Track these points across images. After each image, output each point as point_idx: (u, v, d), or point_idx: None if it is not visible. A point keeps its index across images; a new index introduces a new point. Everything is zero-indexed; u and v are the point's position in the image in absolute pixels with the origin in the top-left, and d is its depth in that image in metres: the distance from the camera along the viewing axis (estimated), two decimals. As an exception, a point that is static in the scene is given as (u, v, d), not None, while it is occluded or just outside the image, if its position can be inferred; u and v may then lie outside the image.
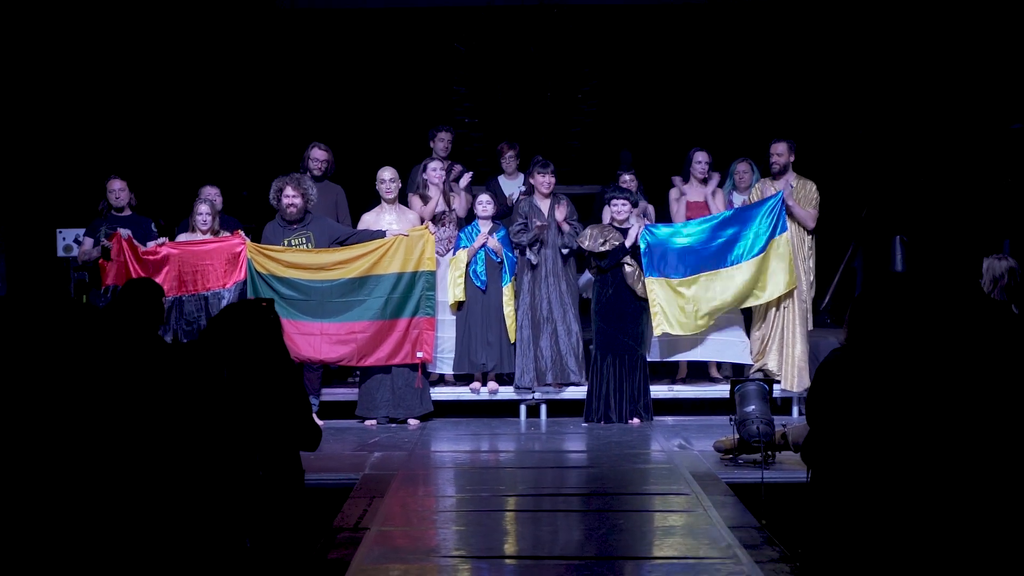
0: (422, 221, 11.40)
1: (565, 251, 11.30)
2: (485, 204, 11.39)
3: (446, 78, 15.77)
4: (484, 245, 11.30)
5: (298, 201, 11.02)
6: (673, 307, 11.16)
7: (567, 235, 11.25)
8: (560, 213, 11.31)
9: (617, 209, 11.13)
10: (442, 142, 12.14)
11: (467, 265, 11.29)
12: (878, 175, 14.51)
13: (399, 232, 11.16)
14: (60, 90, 13.77)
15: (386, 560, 6.74)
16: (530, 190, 11.55)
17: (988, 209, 13.40)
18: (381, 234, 11.20)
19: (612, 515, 7.77)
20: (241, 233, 11.09)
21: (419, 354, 11.12)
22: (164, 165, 13.99)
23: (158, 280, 10.51)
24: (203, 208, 11.11)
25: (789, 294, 11.26)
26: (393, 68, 15.38)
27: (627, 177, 11.64)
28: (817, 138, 14.49)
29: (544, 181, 11.36)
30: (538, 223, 11.23)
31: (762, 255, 11.16)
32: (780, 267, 11.17)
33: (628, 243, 11.04)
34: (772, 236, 11.16)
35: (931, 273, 13.27)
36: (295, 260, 11.05)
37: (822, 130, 14.70)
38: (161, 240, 11.04)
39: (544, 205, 11.37)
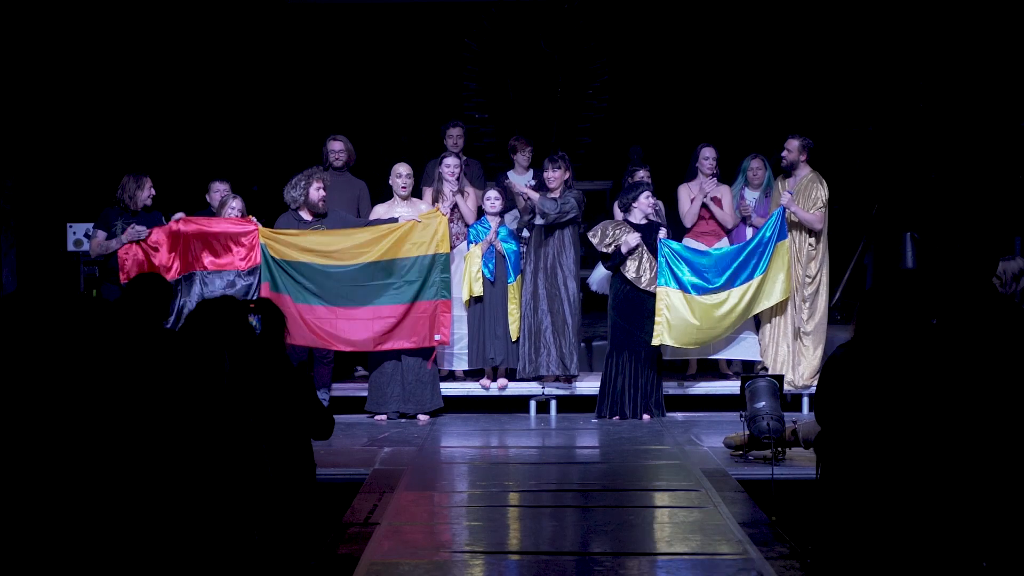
0: None
1: (539, 220, 11.20)
2: (493, 200, 11.40)
3: (457, 73, 15.76)
4: (493, 243, 11.32)
5: (325, 194, 11.06)
6: (679, 319, 11.12)
7: (539, 200, 11.18)
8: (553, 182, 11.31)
9: (650, 202, 11.15)
10: (451, 139, 12.13)
11: (480, 259, 11.31)
12: (889, 172, 14.48)
13: (412, 217, 11.17)
14: (70, 85, 13.78)
15: (396, 555, 6.75)
16: (541, 186, 11.53)
17: (999, 206, 13.37)
18: (394, 221, 11.22)
19: (622, 511, 7.78)
20: (252, 219, 11.09)
21: (436, 337, 11.11)
22: (174, 160, 13.99)
23: (170, 259, 10.67)
24: (235, 203, 11.15)
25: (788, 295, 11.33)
26: (403, 64, 15.37)
27: (642, 173, 11.64)
28: (828, 134, 14.46)
29: (551, 176, 11.33)
30: (521, 195, 11.29)
31: (766, 270, 11.20)
32: (780, 274, 11.20)
33: (625, 250, 10.99)
34: (772, 246, 11.19)
35: (942, 270, 13.24)
36: (310, 244, 11.03)
37: (833, 126, 14.66)
38: (177, 215, 11.03)
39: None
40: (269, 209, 12.24)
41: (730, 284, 11.20)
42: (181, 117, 14.52)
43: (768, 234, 11.24)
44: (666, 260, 11.11)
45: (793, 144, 11.48)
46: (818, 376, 7.54)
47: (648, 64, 15.50)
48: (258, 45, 14.93)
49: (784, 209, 11.22)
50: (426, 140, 13.17)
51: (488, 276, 11.30)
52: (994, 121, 13.61)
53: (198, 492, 5.48)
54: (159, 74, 14.44)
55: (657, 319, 11.09)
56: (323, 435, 5.85)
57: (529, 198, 11.28)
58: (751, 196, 11.87)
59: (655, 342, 11.13)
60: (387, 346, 11.09)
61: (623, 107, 15.65)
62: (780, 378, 9.52)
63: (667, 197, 12.01)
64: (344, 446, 9.90)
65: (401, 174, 11.38)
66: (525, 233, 11.50)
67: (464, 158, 12.09)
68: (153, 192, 11.05)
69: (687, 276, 11.13)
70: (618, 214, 11.58)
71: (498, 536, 7.32)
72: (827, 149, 13.79)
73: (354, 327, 11.04)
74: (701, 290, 11.15)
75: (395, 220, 11.23)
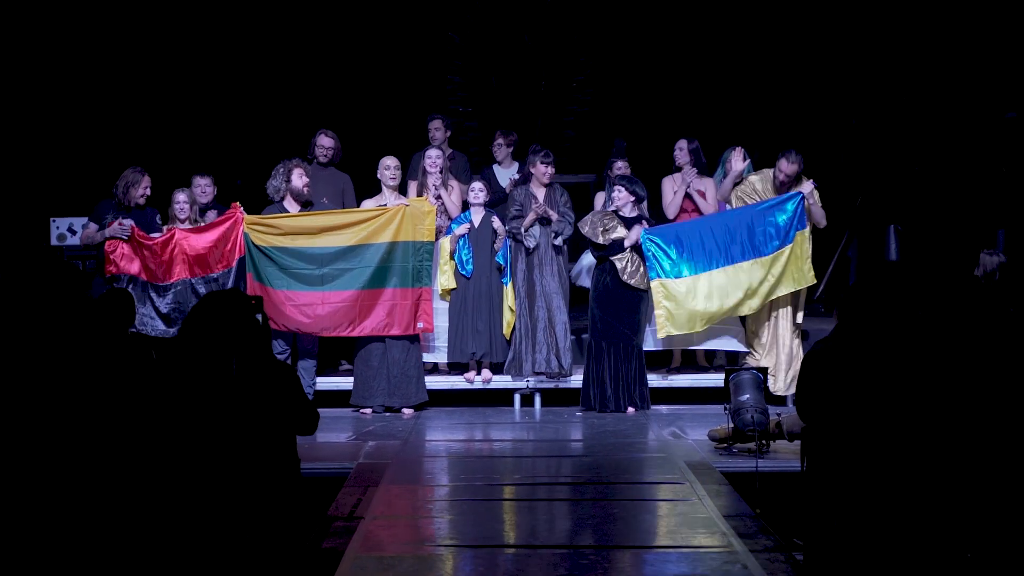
0: None
1: (558, 241, 11.31)
2: (477, 192, 11.40)
3: (441, 67, 15.74)
4: (467, 233, 11.31)
5: (307, 179, 11.05)
6: (680, 309, 11.10)
7: (556, 222, 11.26)
8: (553, 202, 11.31)
9: (618, 195, 11.13)
10: (439, 131, 12.15)
11: (451, 253, 11.30)
12: (873, 164, 14.50)
13: (401, 202, 11.16)
14: (54, 79, 13.73)
15: (380, 549, 6.74)
16: (525, 178, 11.55)
17: (983, 199, 13.40)
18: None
19: (607, 504, 7.77)
20: (239, 206, 11.06)
21: (419, 324, 11.10)
22: (158, 153, 13.95)
23: (166, 264, 10.65)
24: (180, 197, 11.11)
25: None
26: (387, 57, 15.34)
27: (620, 164, 11.66)
28: (812, 127, 14.48)
29: (547, 172, 11.35)
30: (536, 206, 11.24)
31: (779, 251, 11.08)
32: (797, 263, 11.08)
33: (628, 244, 11.03)
34: (792, 232, 11.07)
35: (925, 263, 13.28)
36: (294, 225, 11.02)
37: (817, 119, 14.68)
38: (166, 228, 11.06)
39: (540, 194, 11.36)
40: (253, 203, 12.21)
41: (730, 257, 11.10)
42: (166, 111, 14.48)
43: (780, 211, 11.05)
44: (652, 254, 11.09)
45: (795, 168, 11.15)
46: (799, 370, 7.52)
47: (632, 57, 15.50)
48: (243, 36, 14.88)
49: (802, 196, 11.07)
50: (410, 134, 13.15)
51: (465, 273, 11.30)
52: (978, 114, 13.64)
53: (187, 489, 5.47)
54: (142, 68, 14.39)
55: (657, 312, 11.09)
56: (308, 430, 5.84)
57: (548, 215, 11.26)
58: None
59: (660, 335, 11.13)
60: (368, 330, 11.06)
61: (607, 100, 15.65)
62: (764, 371, 9.53)
63: (651, 190, 12.01)
64: (328, 440, 9.88)
65: (389, 166, 11.36)
66: (532, 243, 11.38)
67: (450, 151, 12.10)
68: (148, 192, 11.00)
69: (678, 262, 11.09)
70: (599, 204, 11.60)
71: (482, 530, 7.30)
72: (812, 142, 13.80)
73: (337, 311, 11.03)
74: (697, 268, 11.11)
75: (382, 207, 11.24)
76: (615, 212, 11.18)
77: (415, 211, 11.10)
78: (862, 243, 14.38)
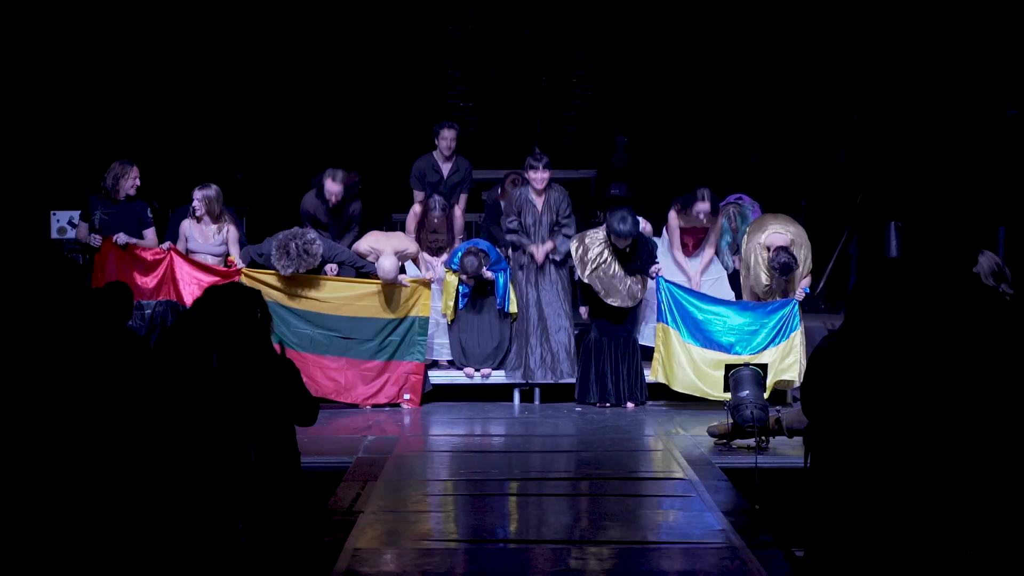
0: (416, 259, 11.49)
1: (557, 257, 11.26)
2: (472, 265, 11.18)
3: (441, 62, 15.73)
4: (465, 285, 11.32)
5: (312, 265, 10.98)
6: (676, 363, 11.03)
7: (553, 251, 11.24)
8: (552, 208, 11.22)
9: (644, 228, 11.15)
10: (445, 140, 12.00)
11: (456, 291, 11.31)
12: (873, 161, 14.50)
13: (399, 282, 11.11)
14: (54, 71, 13.73)
15: (379, 543, 6.74)
16: (524, 181, 11.49)
17: (983, 196, 13.39)
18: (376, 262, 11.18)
19: (605, 499, 7.78)
20: (235, 263, 11.04)
21: (406, 396, 11.13)
22: (159, 147, 13.96)
23: (153, 279, 10.65)
24: (199, 195, 11.09)
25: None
26: (389, 52, 15.34)
27: (644, 224, 11.44)
28: (812, 124, 14.48)
29: (537, 177, 11.27)
30: (531, 250, 11.22)
31: (770, 349, 11.00)
32: (791, 361, 10.95)
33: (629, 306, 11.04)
34: (786, 336, 11.01)
35: (926, 260, 13.27)
36: (292, 288, 11.02)
37: (817, 115, 14.68)
38: (166, 244, 11.01)
39: (539, 201, 11.30)
40: (253, 198, 12.21)
41: (735, 349, 11.03)
42: (167, 104, 14.48)
43: (782, 316, 11.01)
44: (667, 300, 11.03)
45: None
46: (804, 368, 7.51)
47: (632, 53, 15.49)
48: (243, 31, 14.88)
49: (796, 304, 11.04)
50: (409, 133, 13.13)
51: (460, 303, 11.32)
52: (979, 110, 13.64)
53: (182, 481, 5.47)
54: (146, 62, 14.39)
55: (656, 355, 11.07)
56: (307, 421, 5.85)
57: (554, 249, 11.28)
58: (728, 258, 11.83)
59: (650, 379, 11.11)
60: (351, 398, 11.10)
61: (607, 96, 15.64)
62: (764, 367, 9.52)
63: (650, 189, 11.97)
64: (328, 434, 9.88)
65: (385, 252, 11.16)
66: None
67: (455, 157, 12.03)
68: (138, 183, 11.01)
69: (686, 324, 11.04)
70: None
71: (481, 524, 7.31)
72: (812, 139, 13.81)
73: (325, 374, 11.04)
74: (701, 344, 11.06)
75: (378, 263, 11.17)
76: (610, 240, 10.98)
77: (413, 290, 11.15)
78: (863, 240, 14.38)
